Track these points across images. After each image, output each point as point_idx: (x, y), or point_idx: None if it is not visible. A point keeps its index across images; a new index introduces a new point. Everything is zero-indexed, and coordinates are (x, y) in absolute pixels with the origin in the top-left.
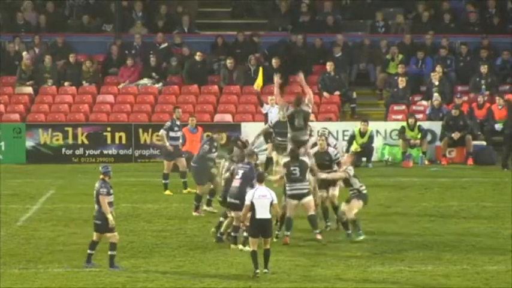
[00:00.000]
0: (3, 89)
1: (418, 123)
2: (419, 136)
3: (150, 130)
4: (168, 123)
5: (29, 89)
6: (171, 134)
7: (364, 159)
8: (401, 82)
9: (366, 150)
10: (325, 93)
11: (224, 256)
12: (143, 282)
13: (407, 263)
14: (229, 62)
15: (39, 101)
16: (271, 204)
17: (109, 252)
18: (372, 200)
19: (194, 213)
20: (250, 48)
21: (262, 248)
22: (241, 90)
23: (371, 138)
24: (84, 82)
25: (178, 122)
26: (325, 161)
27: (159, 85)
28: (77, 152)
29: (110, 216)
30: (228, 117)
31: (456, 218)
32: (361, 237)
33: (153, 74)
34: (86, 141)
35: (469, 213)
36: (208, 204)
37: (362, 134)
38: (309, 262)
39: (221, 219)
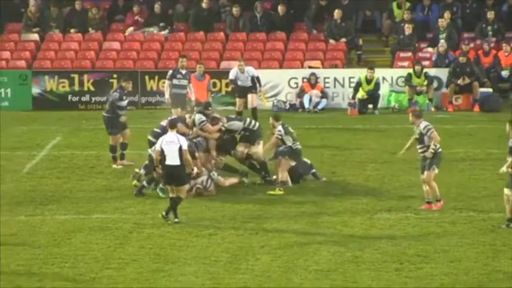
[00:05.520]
0: (9, 36)
1: (425, 70)
2: (425, 83)
3: (156, 77)
4: (170, 72)
5: (35, 36)
6: (174, 81)
7: (370, 106)
8: (408, 29)
9: (373, 97)
10: (331, 40)
11: (231, 202)
12: (150, 229)
13: (414, 210)
14: (235, 9)
15: (45, 47)
16: (181, 150)
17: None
18: (379, 147)
19: (114, 166)
20: None
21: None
22: (247, 37)
23: (377, 85)
24: (90, 29)
25: (183, 71)
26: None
27: (165, 32)
28: (83, 98)
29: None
30: (234, 64)
31: (462, 165)
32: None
33: (161, 24)
34: (92, 88)
35: (475, 160)
36: (122, 157)
37: (368, 81)
38: (316, 209)
39: (137, 170)
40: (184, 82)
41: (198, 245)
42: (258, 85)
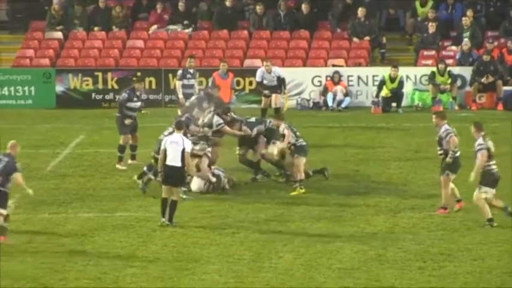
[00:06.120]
0: (33, 34)
1: (448, 68)
2: (449, 81)
3: None
4: (180, 72)
5: (58, 34)
6: (184, 81)
7: (394, 104)
8: (431, 27)
9: (396, 95)
10: (354, 39)
11: (254, 201)
12: (173, 227)
13: (437, 209)
14: (259, 8)
15: (69, 46)
16: (184, 152)
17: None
18: (402, 146)
19: (117, 166)
20: None
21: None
22: (271, 36)
23: (401, 83)
24: (114, 27)
25: (191, 70)
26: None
27: (189, 30)
28: (107, 97)
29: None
30: (257, 63)
31: None
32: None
33: (185, 22)
34: (115, 86)
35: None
36: (133, 158)
37: (392, 80)
38: (339, 208)
39: (145, 168)
40: (192, 82)
41: (221, 243)
42: (283, 87)
